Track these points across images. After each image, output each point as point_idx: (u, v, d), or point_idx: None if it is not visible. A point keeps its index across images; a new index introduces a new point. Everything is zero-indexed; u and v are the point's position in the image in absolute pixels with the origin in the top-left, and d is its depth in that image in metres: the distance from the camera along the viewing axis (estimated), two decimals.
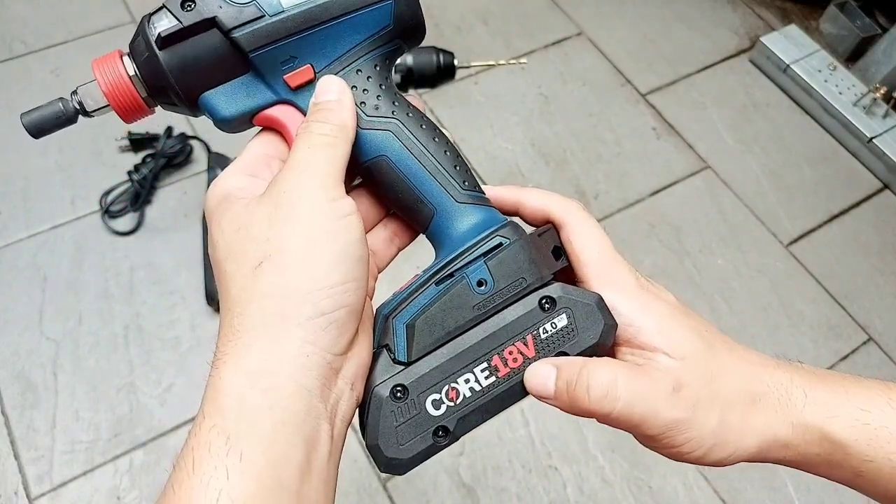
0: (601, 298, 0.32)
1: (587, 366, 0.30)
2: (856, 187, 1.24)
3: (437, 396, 0.31)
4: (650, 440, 0.31)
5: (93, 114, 0.34)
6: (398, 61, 0.85)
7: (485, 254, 0.33)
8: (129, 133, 1.11)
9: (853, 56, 1.39)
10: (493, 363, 0.32)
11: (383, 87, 0.34)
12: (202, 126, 1.17)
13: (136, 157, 1.12)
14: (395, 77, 0.86)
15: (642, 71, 1.35)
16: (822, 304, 1.09)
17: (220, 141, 1.15)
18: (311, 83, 0.33)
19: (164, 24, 0.31)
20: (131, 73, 0.33)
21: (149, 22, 0.32)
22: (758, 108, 1.33)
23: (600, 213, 1.15)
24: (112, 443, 0.89)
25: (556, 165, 1.21)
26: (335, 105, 0.32)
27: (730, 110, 1.31)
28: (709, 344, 0.32)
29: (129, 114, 0.34)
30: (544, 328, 0.32)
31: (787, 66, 1.32)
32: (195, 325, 0.98)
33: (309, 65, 0.33)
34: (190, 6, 0.31)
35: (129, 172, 1.07)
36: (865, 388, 0.32)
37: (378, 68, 0.34)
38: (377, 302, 0.35)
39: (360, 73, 0.34)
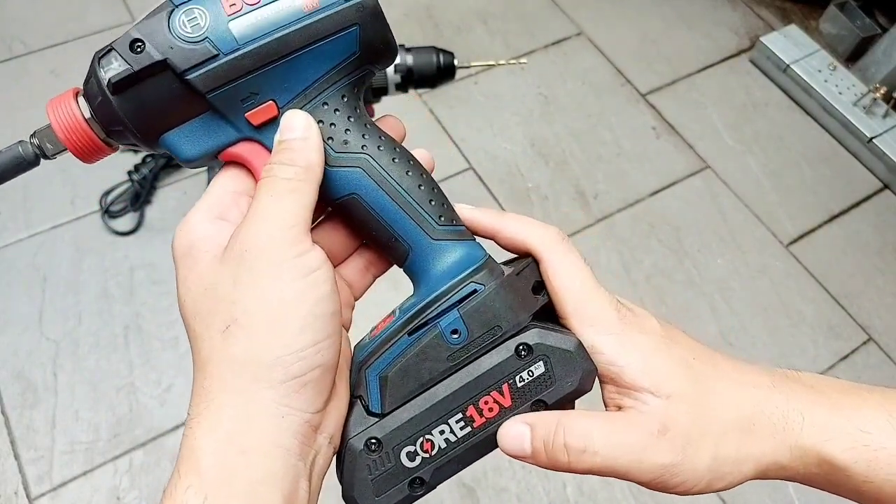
0: (580, 344, 0.31)
1: (562, 421, 0.29)
2: (856, 187, 1.24)
3: (411, 448, 0.31)
4: (644, 485, 0.30)
5: (53, 157, 0.32)
6: (398, 61, 0.85)
7: (459, 301, 0.31)
8: None
9: (853, 56, 1.39)
10: (468, 414, 0.31)
11: (352, 118, 0.32)
12: None
13: (136, 157, 1.12)
14: (395, 77, 0.86)
15: (642, 71, 1.35)
16: (822, 304, 1.09)
17: None
18: (274, 120, 0.31)
19: (114, 67, 0.29)
20: (87, 115, 0.31)
21: (99, 63, 0.30)
22: (758, 108, 1.33)
23: (600, 212, 1.15)
24: (112, 443, 0.89)
25: (555, 165, 1.20)
26: (300, 144, 0.30)
27: (730, 110, 1.31)
28: (697, 374, 0.31)
29: (88, 155, 0.32)
30: (521, 376, 0.31)
31: (787, 66, 1.32)
32: None
33: (271, 101, 0.31)
34: (139, 48, 0.29)
35: (129, 172, 1.07)
36: (866, 405, 0.31)
37: (346, 99, 0.32)
38: (355, 334, 0.34)
39: (326, 105, 0.32)
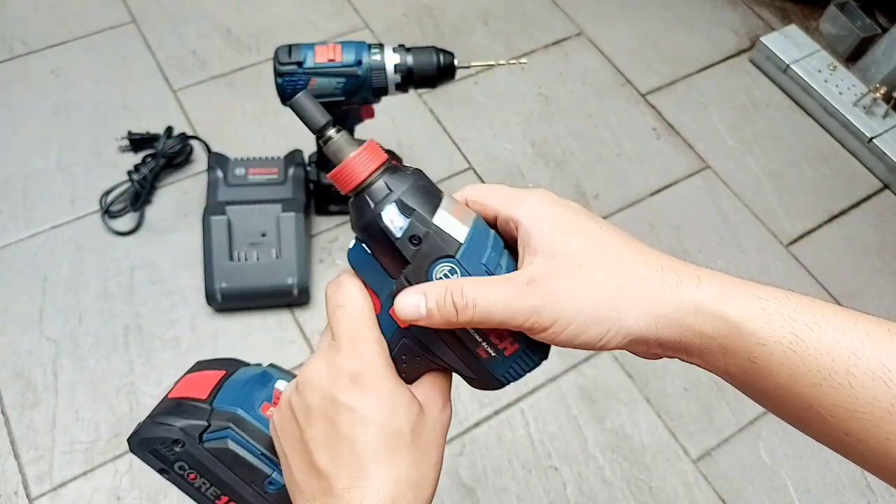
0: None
1: (449, 286, 0.33)
2: (856, 187, 1.24)
3: None
4: (529, 332, 0.33)
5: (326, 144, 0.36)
6: (398, 62, 0.85)
7: None
8: (130, 133, 1.12)
9: (853, 56, 1.39)
10: None
11: None
12: (202, 126, 1.17)
13: (136, 157, 1.12)
14: (395, 77, 0.86)
15: (642, 71, 1.35)
16: None
17: (220, 141, 1.15)
18: None
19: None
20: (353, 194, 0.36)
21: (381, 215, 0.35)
22: (758, 108, 1.33)
23: (601, 212, 1.15)
24: (112, 443, 0.89)
25: (556, 165, 1.20)
26: None
27: (730, 110, 1.31)
28: (593, 242, 0.34)
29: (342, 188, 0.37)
30: None
31: (787, 66, 1.32)
32: (195, 325, 0.98)
33: None
34: (416, 242, 0.34)
35: (129, 172, 1.07)
36: (768, 285, 0.32)
37: None
38: None
39: None
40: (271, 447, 0.41)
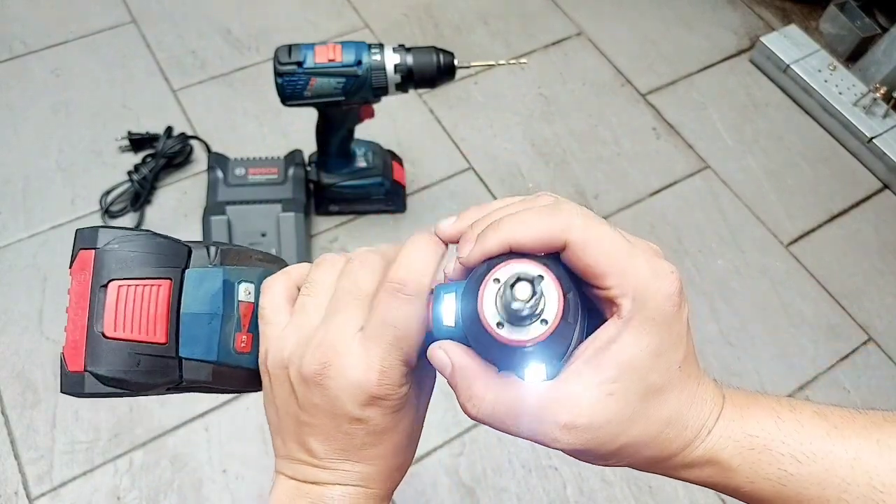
0: None
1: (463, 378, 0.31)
2: (856, 187, 1.24)
3: None
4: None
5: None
6: (398, 62, 0.85)
7: None
8: (130, 133, 1.11)
9: (853, 56, 1.39)
10: None
11: None
12: (202, 126, 1.17)
13: (136, 157, 1.12)
14: (395, 77, 0.86)
15: (642, 71, 1.35)
16: (822, 304, 1.09)
17: (220, 141, 1.15)
18: None
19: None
20: None
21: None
22: (758, 108, 1.33)
23: (600, 212, 1.15)
24: (112, 443, 0.89)
25: (556, 165, 1.20)
26: None
27: (730, 110, 1.31)
28: (657, 401, 0.30)
29: None
30: None
31: (787, 66, 1.32)
32: None
33: None
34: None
35: (129, 172, 1.07)
36: (760, 409, 0.31)
37: None
38: None
39: None
40: (252, 379, 0.38)
